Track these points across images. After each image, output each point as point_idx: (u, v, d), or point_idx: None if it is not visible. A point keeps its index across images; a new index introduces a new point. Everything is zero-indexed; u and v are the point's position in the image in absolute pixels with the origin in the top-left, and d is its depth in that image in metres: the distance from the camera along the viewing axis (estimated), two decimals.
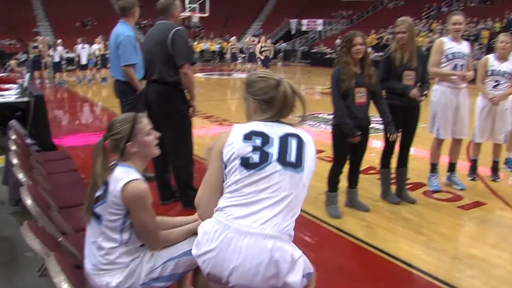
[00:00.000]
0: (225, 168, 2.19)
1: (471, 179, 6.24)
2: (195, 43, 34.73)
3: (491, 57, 6.15)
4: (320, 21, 41.06)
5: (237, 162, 2.13)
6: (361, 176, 5.17)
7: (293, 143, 2.19)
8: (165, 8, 4.84)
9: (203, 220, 2.24)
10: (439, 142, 5.81)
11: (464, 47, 5.60)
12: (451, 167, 5.98)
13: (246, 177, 2.11)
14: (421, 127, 5.35)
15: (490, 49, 25.42)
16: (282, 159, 2.14)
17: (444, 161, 6.00)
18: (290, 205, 2.13)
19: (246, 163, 2.13)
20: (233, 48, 27.53)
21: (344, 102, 4.59)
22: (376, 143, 7.34)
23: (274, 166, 2.13)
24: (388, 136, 4.85)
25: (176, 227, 2.63)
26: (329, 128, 9.22)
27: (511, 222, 4.90)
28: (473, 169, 6.31)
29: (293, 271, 2.08)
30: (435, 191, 5.75)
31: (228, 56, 30.09)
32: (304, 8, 45.61)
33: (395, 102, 5.03)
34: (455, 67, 5.56)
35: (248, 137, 2.17)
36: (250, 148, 2.14)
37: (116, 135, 2.47)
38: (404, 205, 5.27)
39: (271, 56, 23.95)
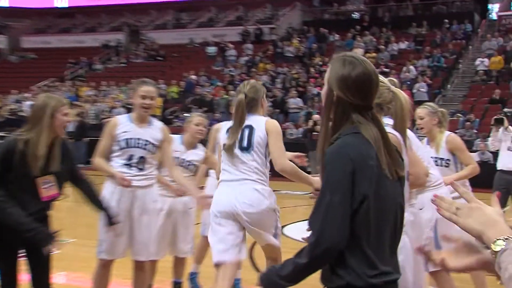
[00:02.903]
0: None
1: None
2: None
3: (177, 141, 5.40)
4: None
5: (222, 146, 4.40)
6: None
7: (246, 132, 4.28)
8: None
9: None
10: (101, 264, 4.67)
11: (148, 132, 4.79)
12: None
13: (224, 155, 4.35)
14: None
15: (165, 122, 23.51)
16: (240, 145, 4.28)
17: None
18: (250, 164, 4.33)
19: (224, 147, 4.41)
20: None
21: None
22: None
23: (236, 150, 4.27)
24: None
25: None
26: None
27: None
28: None
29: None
30: None
31: None
32: None
33: None
34: (130, 158, 4.72)
35: (227, 131, 4.40)
36: (227, 137, 4.35)
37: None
38: None
39: None
